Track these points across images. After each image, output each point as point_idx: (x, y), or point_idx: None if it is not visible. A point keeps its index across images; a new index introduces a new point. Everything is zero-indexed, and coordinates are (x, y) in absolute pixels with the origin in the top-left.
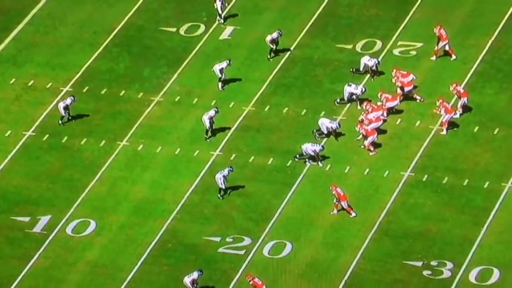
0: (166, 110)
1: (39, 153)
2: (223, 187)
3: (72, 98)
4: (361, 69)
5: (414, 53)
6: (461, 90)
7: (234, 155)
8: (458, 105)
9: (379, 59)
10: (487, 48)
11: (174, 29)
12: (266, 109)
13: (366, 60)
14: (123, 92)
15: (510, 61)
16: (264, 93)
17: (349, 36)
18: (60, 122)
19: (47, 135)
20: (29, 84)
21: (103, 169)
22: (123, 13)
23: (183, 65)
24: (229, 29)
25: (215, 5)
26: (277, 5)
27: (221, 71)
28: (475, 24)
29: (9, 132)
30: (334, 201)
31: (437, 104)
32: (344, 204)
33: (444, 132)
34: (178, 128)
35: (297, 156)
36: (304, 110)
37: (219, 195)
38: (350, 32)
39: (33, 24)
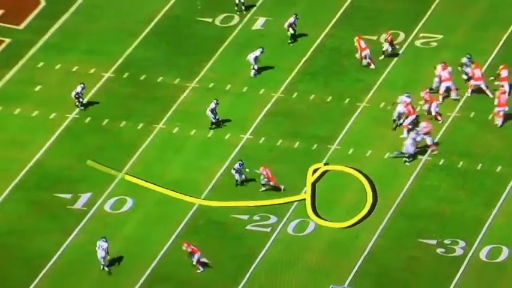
0: (200, 95)
1: (82, 134)
2: (239, 179)
3: (82, 86)
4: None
5: (435, 44)
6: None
7: (262, 139)
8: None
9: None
10: (502, 40)
11: (210, 20)
12: (294, 96)
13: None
14: (160, 78)
15: None
16: (292, 81)
17: (374, 28)
18: (81, 107)
19: (89, 118)
20: (73, 70)
21: (140, 150)
22: (162, 4)
23: (218, 54)
24: (261, 20)
25: None
26: None
27: (255, 59)
28: (491, 18)
29: (54, 114)
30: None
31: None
32: (273, 184)
33: (499, 122)
34: None
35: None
36: (330, 97)
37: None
38: (375, 24)
39: (78, 13)
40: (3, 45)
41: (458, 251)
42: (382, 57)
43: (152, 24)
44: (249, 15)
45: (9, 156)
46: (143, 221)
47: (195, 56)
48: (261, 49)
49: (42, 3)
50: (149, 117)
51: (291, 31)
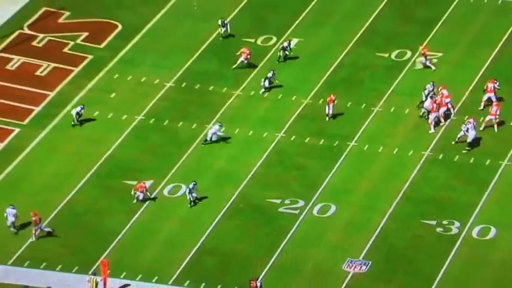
0: (243, 101)
1: (146, 133)
2: (191, 199)
3: (82, 107)
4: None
5: (435, 60)
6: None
7: (293, 137)
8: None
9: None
10: (492, 57)
11: (253, 40)
12: (320, 102)
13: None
14: (211, 87)
15: (509, 67)
16: (318, 89)
17: (386, 47)
18: (72, 123)
19: (153, 119)
20: (142, 80)
21: (193, 146)
22: (214, 27)
23: (258, 67)
24: (294, 40)
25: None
26: (333, 21)
27: (265, 79)
28: (483, 39)
29: (125, 116)
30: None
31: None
32: (147, 194)
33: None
34: (252, 115)
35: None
36: (349, 103)
37: (188, 205)
38: (387, 44)
39: (147, 35)
40: (87, 60)
41: (454, 230)
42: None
43: (206, 43)
44: (284, 36)
45: (88, 150)
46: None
47: (240, 69)
48: (272, 71)
49: (119, 27)
50: (201, 119)
51: (282, 52)
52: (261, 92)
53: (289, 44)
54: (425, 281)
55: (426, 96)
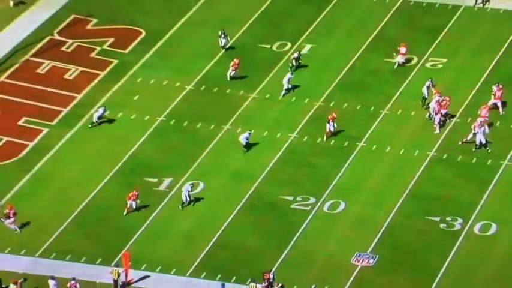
0: (259, 104)
1: (167, 133)
2: (185, 200)
3: (104, 108)
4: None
5: (440, 66)
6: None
7: (306, 137)
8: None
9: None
10: (493, 63)
11: (268, 46)
12: (331, 104)
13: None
14: (229, 90)
15: (509, 72)
16: (330, 92)
17: (393, 53)
18: (90, 125)
19: (174, 120)
20: (164, 83)
21: (211, 145)
22: (232, 34)
23: (273, 72)
24: (308, 47)
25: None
26: (344, 29)
27: (288, 80)
28: (485, 46)
29: (147, 117)
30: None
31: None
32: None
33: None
34: (266, 117)
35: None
36: (359, 106)
37: (180, 206)
38: (395, 50)
39: (169, 41)
40: (112, 65)
41: (457, 226)
42: None
43: (224, 49)
44: (298, 43)
45: (113, 148)
46: (212, 200)
47: (256, 73)
48: (290, 72)
49: (143, 34)
50: (219, 120)
51: (294, 62)
52: (282, 94)
53: (299, 54)
54: (429, 274)
55: (427, 92)
